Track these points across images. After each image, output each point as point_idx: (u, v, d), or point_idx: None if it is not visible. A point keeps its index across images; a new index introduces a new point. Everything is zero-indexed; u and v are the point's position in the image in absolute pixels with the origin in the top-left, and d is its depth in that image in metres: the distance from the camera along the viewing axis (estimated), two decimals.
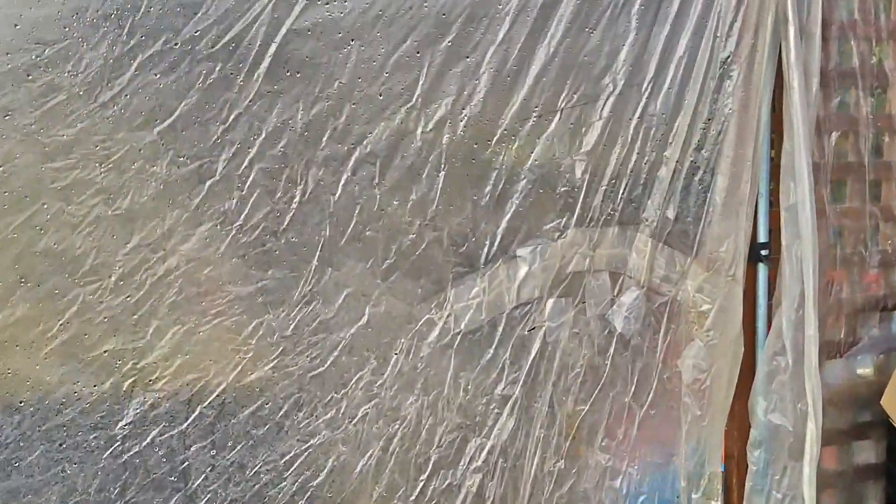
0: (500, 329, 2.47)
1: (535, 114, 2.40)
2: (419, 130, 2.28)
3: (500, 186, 2.41)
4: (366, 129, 2.24)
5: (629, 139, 2.52)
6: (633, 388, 2.67)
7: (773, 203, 2.82)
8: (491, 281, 2.42)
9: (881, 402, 3.10)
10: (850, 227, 3.09)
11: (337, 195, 2.25)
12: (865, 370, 3.16)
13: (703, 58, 2.56)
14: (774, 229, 2.83)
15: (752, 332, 2.90)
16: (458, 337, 2.41)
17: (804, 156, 2.66)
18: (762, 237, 2.87)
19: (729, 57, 2.59)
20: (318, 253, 2.25)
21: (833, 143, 3.01)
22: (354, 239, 2.28)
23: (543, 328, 2.52)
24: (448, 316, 2.39)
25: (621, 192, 2.55)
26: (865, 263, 3.13)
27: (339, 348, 2.31)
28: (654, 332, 2.67)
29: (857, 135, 3.05)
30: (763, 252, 2.88)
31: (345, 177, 2.25)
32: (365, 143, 2.25)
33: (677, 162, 2.58)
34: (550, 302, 2.51)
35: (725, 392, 2.77)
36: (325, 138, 2.22)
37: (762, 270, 2.91)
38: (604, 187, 2.53)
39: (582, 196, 2.50)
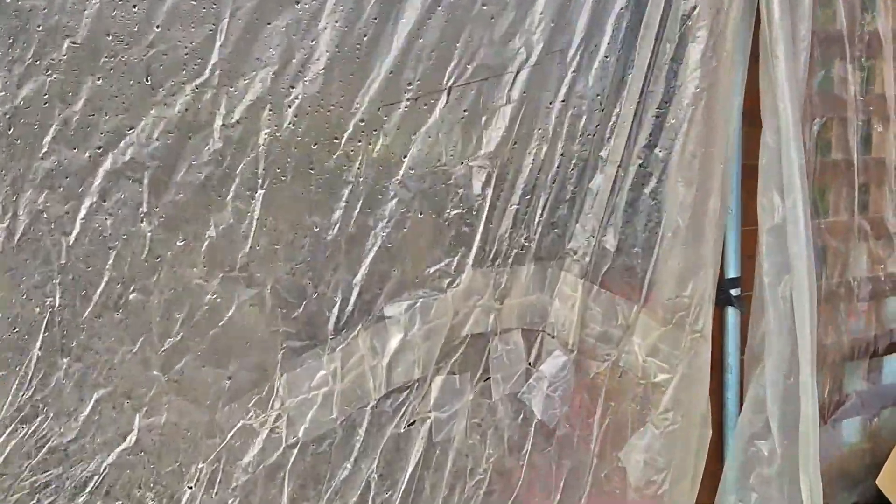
0: (362, 430, 2.05)
1: (408, 95, 1.98)
2: (218, 123, 1.81)
3: (357, 210, 1.97)
4: (123, 121, 1.75)
5: (550, 133, 2.12)
6: (558, 497, 2.23)
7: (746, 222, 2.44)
8: (345, 359, 2.01)
9: (877, 481, 2.76)
10: (835, 249, 2.70)
11: (73, 235, 1.74)
12: (855, 438, 2.85)
13: (655, 11, 2.15)
14: (746, 257, 2.44)
15: (718, 405, 2.47)
16: (295, 450, 1.97)
17: (794, 155, 2.22)
18: (732, 270, 2.45)
19: (695, 9, 2.15)
20: (41, 335, 1.74)
21: (815, 135, 2.61)
22: (108, 307, 1.79)
23: (428, 422, 2.12)
24: (277, 419, 1.96)
25: (539, 212, 2.15)
26: (853, 295, 2.77)
27: (86, 491, 1.79)
28: (588, 414, 2.28)
29: (845, 123, 2.64)
30: (733, 291, 2.46)
31: (87, 204, 1.74)
32: (122, 144, 1.75)
33: (619, 166, 2.20)
34: (438, 382, 2.11)
35: (688, 496, 2.32)
36: (47, 139, 1.70)
37: (732, 316, 2.48)
38: (514, 207, 2.12)
39: (482, 221, 2.10)
